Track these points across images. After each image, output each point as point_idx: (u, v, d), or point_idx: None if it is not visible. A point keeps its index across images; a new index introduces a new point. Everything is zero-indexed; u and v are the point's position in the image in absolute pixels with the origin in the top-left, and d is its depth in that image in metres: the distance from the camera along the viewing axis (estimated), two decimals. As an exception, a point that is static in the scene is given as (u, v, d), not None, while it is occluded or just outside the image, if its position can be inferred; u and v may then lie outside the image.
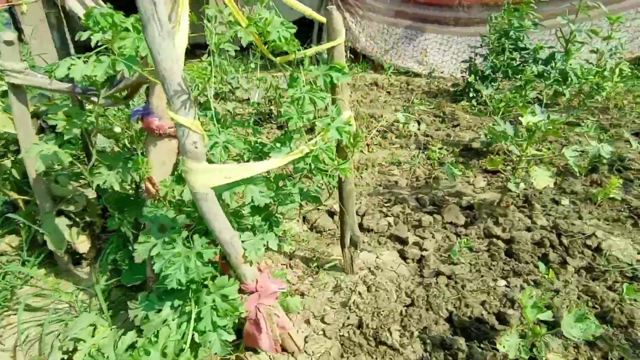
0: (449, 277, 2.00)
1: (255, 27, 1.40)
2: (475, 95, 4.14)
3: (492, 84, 4.16)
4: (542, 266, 1.99)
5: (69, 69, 1.41)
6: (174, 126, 1.65)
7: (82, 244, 2.08)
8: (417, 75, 5.70)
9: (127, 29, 1.44)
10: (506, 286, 1.95)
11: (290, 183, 1.61)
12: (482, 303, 1.84)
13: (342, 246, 1.97)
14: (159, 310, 1.42)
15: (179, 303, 1.40)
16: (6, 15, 3.53)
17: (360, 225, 2.46)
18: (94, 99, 1.71)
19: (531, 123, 2.16)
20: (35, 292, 1.95)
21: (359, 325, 1.73)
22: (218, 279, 1.32)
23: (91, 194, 2.24)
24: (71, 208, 2.04)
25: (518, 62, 4.15)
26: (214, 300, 1.31)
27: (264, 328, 1.43)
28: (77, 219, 2.08)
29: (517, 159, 2.34)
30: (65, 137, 1.63)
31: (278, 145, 1.56)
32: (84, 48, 2.17)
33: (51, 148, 1.62)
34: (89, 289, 1.93)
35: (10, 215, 1.97)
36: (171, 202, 1.57)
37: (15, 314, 1.85)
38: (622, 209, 2.44)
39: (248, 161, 1.63)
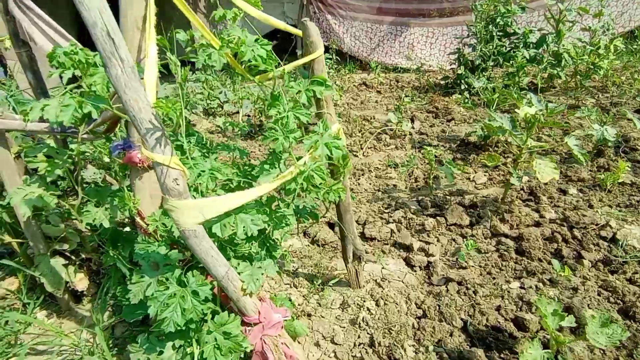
0: (459, 283, 1.93)
1: (229, 48, 1.34)
2: (467, 87, 4.06)
3: (483, 73, 4.08)
4: (556, 263, 1.91)
5: (42, 109, 1.35)
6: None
7: (81, 282, 2.02)
8: (406, 71, 5.64)
9: (95, 65, 1.38)
10: (520, 287, 1.88)
11: (284, 204, 1.55)
12: (497, 308, 1.76)
13: (345, 261, 1.90)
14: (161, 352, 1.36)
15: (181, 343, 1.34)
16: (-13, 54, 3.50)
17: (363, 235, 2.39)
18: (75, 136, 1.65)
19: (529, 115, 2.09)
20: (38, 336, 1.90)
21: (371, 344, 1.66)
22: (218, 317, 1.26)
23: (84, 227, 2.19)
24: (65, 246, 1.99)
25: (508, 49, 4.08)
26: (215, 339, 1.25)
27: (270, 360, 1.37)
28: (73, 257, 2.03)
29: (518, 151, 2.27)
30: (48, 179, 1.58)
31: (267, 167, 1.50)
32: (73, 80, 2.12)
33: (35, 191, 1.56)
34: (91, 329, 1.88)
35: (4, 261, 1.92)
36: (162, 237, 1.51)
37: (19, 360, 1.81)
38: (634, 193, 2.36)
39: (238, 186, 1.57)
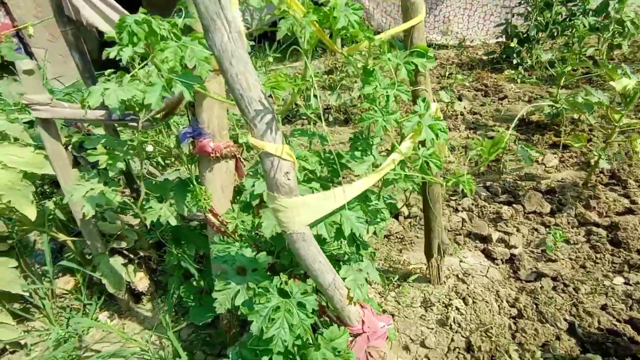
0: (554, 279, 1.74)
1: (317, 14, 1.12)
2: (520, 62, 3.74)
3: (537, 45, 3.75)
4: (664, 255, 1.70)
5: (102, 94, 1.18)
6: (229, 145, 1.43)
7: (141, 282, 1.90)
8: (442, 47, 5.29)
9: (164, 38, 1.19)
10: (625, 283, 1.68)
11: (374, 196, 1.36)
12: (603, 307, 1.57)
13: (429, 256, 1.72)
14: (256, 369, 1.21)
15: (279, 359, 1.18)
16: (15, 41, 3.33)
17: (431, 225, 2.20)
18: (133, 123, 1.48)
19: (629, 87, 1.84)
20: (101, 339, 1.80)
21: (468, 349, 1.49)
22: (327, 331, 1.09)
23: (134, 221, 2.04)
24: (123, 244, 1.86)
25: (564, 17, 3.73)
26: (324, 356, 1.08)
27: (373, 373, 1.22)
28: (131, 255, 1.90)
29: (610, 131, 2.02)
30: (110, 174, 1.42)
31: (357, 154, 1.31)
32: (100, 64, 1.94)
33: (97, 188, 1.41)
34: (157, 332, 1.77)
35: (62, 263, 1.80)
36: (242, 236, 1.35)
37: (86, 364, 1.72)
38: None
39: (321, 176, 1.39)
